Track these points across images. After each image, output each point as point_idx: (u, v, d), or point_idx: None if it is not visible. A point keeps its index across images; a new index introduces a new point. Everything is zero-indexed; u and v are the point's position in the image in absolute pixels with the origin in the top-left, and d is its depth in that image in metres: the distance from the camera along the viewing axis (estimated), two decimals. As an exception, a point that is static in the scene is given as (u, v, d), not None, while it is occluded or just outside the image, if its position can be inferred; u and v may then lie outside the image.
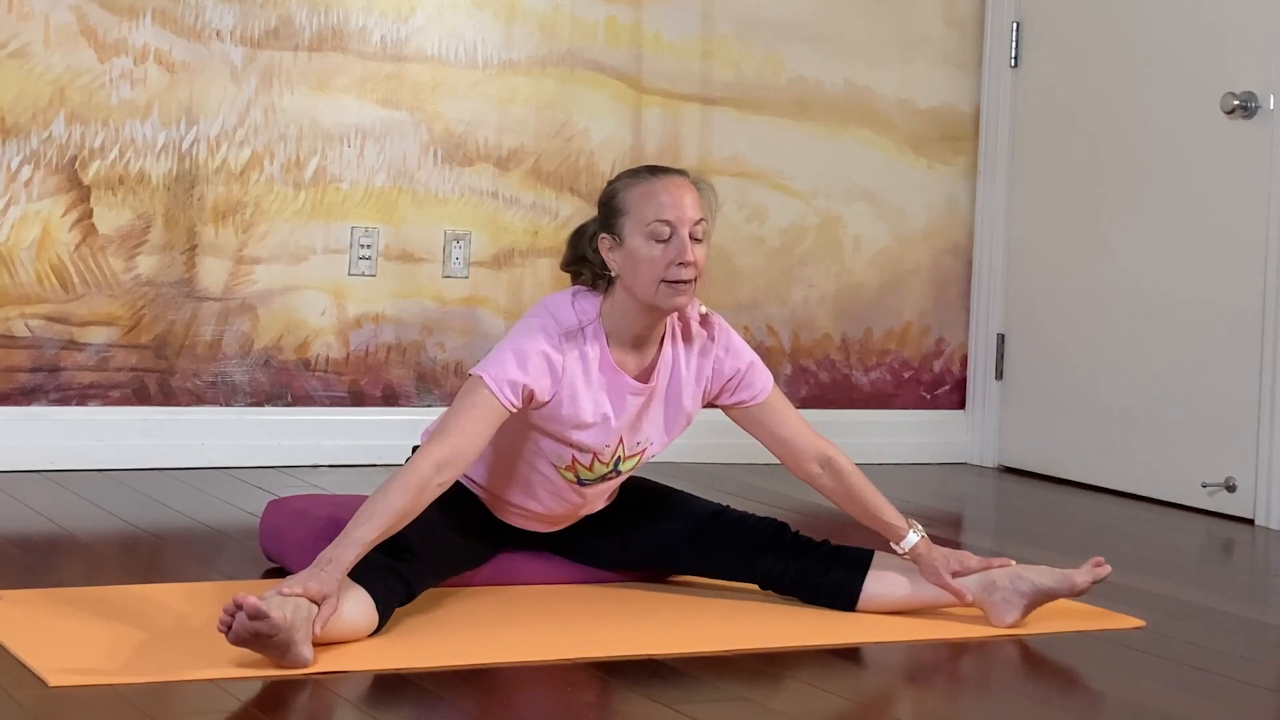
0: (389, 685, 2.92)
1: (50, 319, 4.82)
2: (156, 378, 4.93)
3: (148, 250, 4.90)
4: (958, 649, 3.34)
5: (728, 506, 3.65)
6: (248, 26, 4.97)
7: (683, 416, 3.49)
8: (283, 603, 2.90)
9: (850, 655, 3.26)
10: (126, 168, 4.86)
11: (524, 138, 5.28)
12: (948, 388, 5.86)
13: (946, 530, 4.57)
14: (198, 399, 4.97)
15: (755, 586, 3.59)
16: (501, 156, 5.26)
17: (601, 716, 2.88)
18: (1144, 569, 4.12)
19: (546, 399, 3.32)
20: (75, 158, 4.81)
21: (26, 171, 4.76)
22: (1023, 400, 5.70)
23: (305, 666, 2.92)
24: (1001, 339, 5.77)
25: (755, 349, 3.58)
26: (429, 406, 5.15)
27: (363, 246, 5.12)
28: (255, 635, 2.87)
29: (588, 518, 3.60)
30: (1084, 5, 5.53)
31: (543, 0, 5.29)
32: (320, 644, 3.00)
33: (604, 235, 3.36)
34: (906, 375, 5.81)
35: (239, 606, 2.85)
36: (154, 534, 4.09)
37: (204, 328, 4.97)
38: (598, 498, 3.56)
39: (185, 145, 4.91)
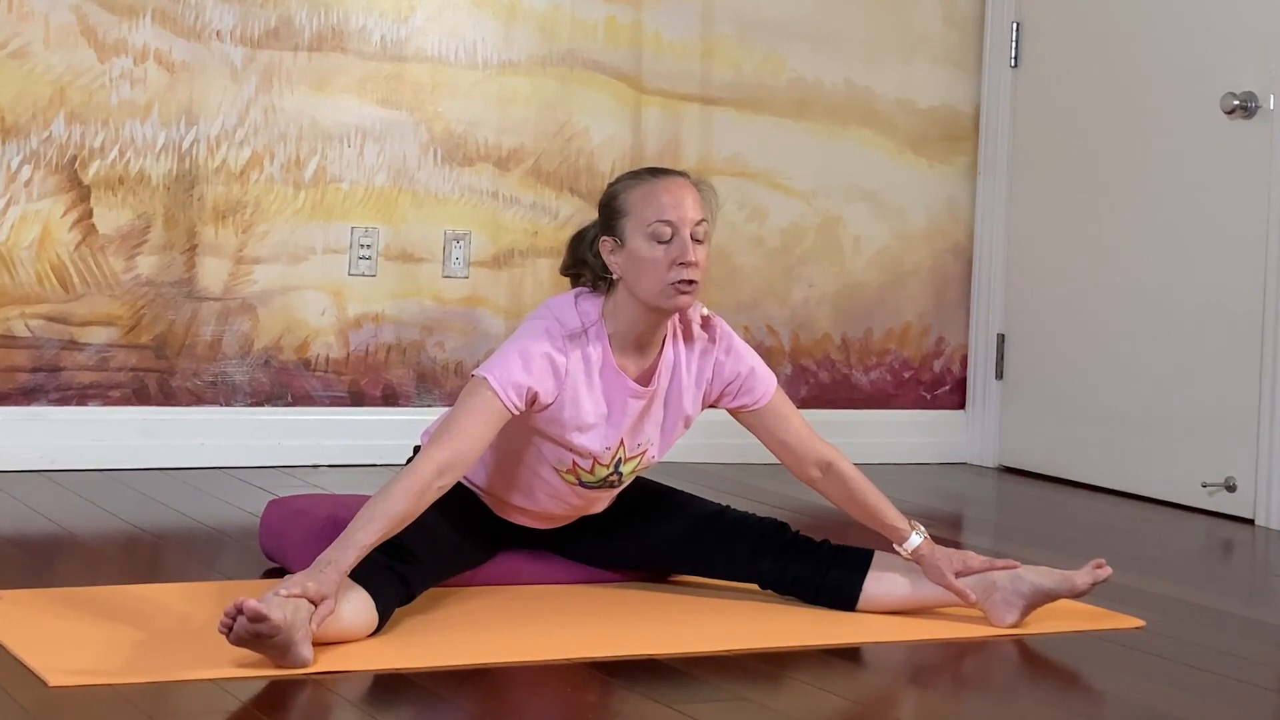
0: (389, 685, 2.92)
1: (50, 319, 4.82)
2: (156, 378, 4.93)
3: (148, 250, 4.90)
4: (958, 649, 3.34)
5: (728, 507, 3.65)
6: (248, 26, 4.97)
7: (683, 419, 3.49)
8: (283, 604, 2.90)
9: (850, 655, 3.26)
10: (126, 168, 4.86)
11: (524, 138, 5.28)
12: (948, 388, 5.86)
13: (946, 530, 4.57)
14: (198, 399, 4.97)
15: (755, 586, 3.59)
16: (501, 156, 5.26)
17: (601, 716, 2.88)
18: (1144, 569, 4.12)
19: (549, 401, 3.32)
20: (75, 158, 4.81)
21: (26, 171, 4.76)
22: (1023, 400, 5.70)
23: (305, 666, 2.92)
24: (1001, 339, 5.77)
25: (755, 349, 3.58)
26: (429, 406, 5.15)
27: (363, 246, 5.12)
28: (255, 636, 2.87)
29: (588, 518, 3.60)
30: (1084, 5, 5.53)
31: (543, 0, 5.29)
32: (320, 644, 3.00)
33: (605, 238, 3.36)
34: (906, 375, 5.81)
35: (239, 610, 2.85)
36: (154, 534, 4.09)
37: (204, 328, 4.97)
38: (600, 500, 3.56)
39: (185, 145, 4.91)
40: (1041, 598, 3.46)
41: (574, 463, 3.41)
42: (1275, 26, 4.91)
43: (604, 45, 5.36)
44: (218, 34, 4.94)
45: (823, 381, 5.69)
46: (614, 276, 3.36)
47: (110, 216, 4.85)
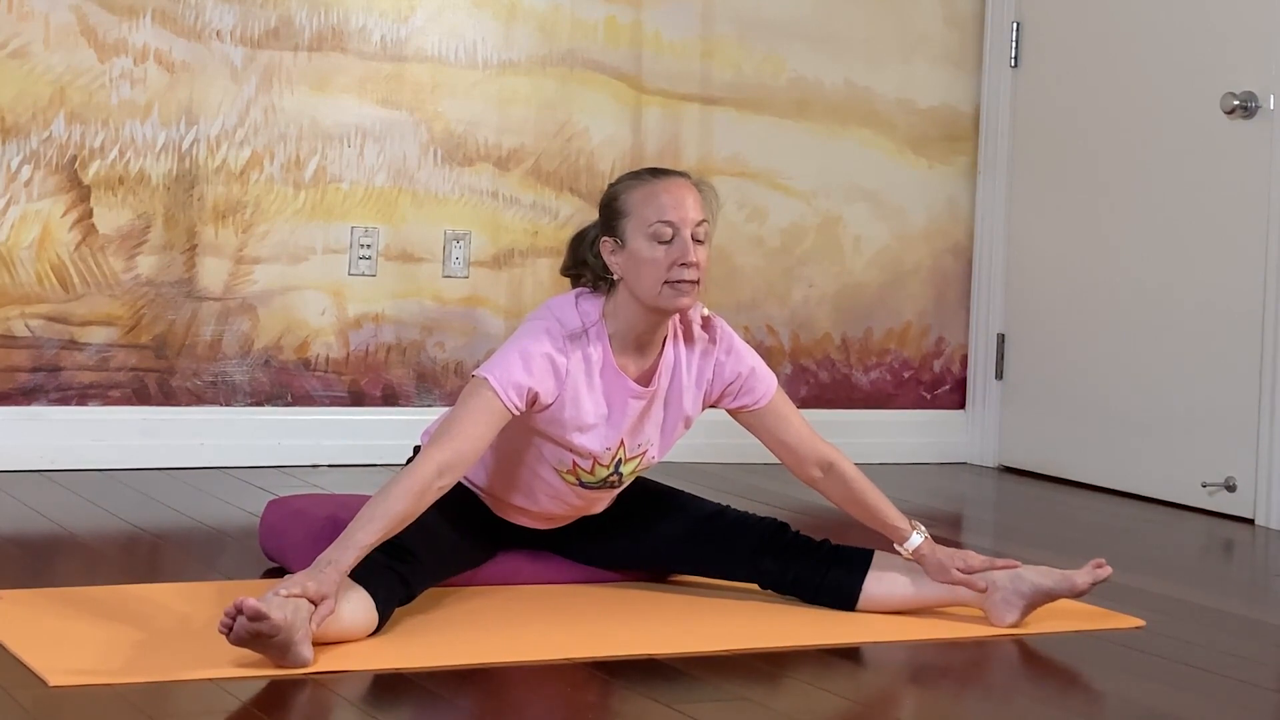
0: (389, 685, 2.92)
1: (50, 319, 4.82)
2: (156, 377, 4.94)
3: (148, 250, 4.90)
4: (958, 649, 3.34)
5: (728, 506, 3.65)
6: (248, 26, 4.97)
7: (683, 419, 3.49)
8: (283, 604, 2.90)
9: (850, 655, 3.26)
10: (126, 168, 4.86)
11: (524, 138, 5.28)
12: (948, 388, 5.86)
13: (946, 530, 4.57)
14: (198, 399, 4.97)
15: (755, 586, 3.59)
16: (501, 156, 5.26)
17: (601, 716, 2.88)
18: (1144, 569, 4.12)
19: (549, 402, 3.32)
20: (75, 158, 4.81)
21: (26, 171, 4.76)
22: (1023, 400, 5.70)
23: (305, 666, 2.92)
24: (1001, 339, 5.77)
25: (755, 349, 3.58)
26: (429, 406, 5.15)
27: (363, 246, 5.12)
28: (255, 636, 2.87)
29: (588, 518, 3.59)
30: (1084, 5, 5.53)
31: (542, 0, 5.29)
32: (320, 644, 3.00)
33: (606, 238, 3.36)
34: (906, 375, 5.81)
35: (239, 609, 2.85)
36: (154, 534, 4.09)
37: (204, 328, 4.97)
38: (600, 500, 3.55)
39: (185, 145, 4.91)
40: (1042, 597, 3.46)
41: (574, 463, 3.41)
42: (1275, 26, 4.91)
43: (604, 45, 5.36)
44: (218, 34, 4.94)
45: (823, 381, 5.69)
46: (614, 277, 3.36)
47: (110, 216, 4.85)
